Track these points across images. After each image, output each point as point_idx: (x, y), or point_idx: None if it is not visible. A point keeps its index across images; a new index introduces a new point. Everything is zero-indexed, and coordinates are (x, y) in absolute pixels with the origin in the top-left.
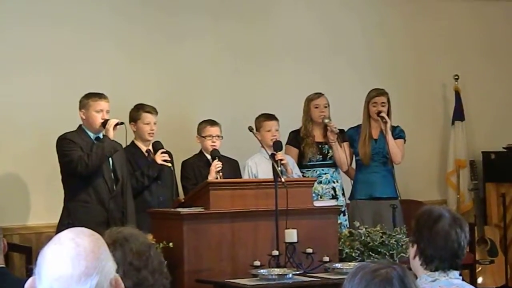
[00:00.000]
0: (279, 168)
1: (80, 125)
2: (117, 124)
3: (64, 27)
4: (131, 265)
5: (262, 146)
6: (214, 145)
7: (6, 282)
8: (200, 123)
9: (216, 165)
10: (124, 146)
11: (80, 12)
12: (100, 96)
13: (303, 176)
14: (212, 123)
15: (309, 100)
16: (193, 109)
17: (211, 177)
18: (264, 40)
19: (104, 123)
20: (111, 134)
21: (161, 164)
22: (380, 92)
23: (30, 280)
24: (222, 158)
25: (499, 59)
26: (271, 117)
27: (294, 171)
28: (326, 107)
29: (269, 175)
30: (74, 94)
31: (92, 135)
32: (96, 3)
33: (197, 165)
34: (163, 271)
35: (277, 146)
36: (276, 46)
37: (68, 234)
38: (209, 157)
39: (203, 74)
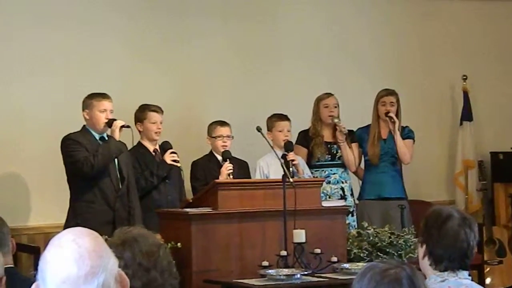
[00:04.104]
0: (291, 169)
1: (84, 126)
2: (123, 126)
3: (73, 29)
4: (140, 265)
5: (271, 147)
6: (225, 145)
7: (15, 281)
8: (211, 124)
9: (228, 167)
10: (130, 147)
11: (89, 14)
12: (103, 96)
13: (312, 176)
14: (222, 123)
15: (319, 99)
16: (202, 110)
17: (222, 178)
18: (273, 41)
19: (109, 123)
20: (117, 136)
21: (171, 164)
22: (389, 92)
23: (33, 286)
24: (232, 160)
25: (507, 59)
26: (283, 117)
27: (305, 172)
28: (335, 107)
29: (281, 175)
30: (82, 96)
31: (96, 135)
32: (104, 4)
33: (207, 165)
34: (172, 271)
35: (288, 146)
36: (284, 47)
37: (68, 236)
38: (219, 157)
39: (212, 75)
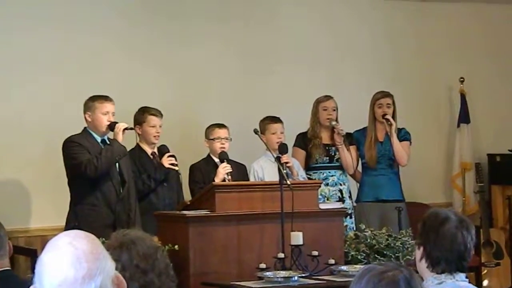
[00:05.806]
0: (285, 171)
1: (85, 128)
2: (126, 129)
3: (71, 32)
4: (138, 268)
5: (267, 149)
6: (223, 148)
7: (12, 284)
8: (208, 127)
9: (225, 167)
10: (129, 149)
11: (88, 17)
12: (105, 98)
13: (310, 178)
14: (220, 125)
15: (318, 102)
16: (199, 113)
17: (218, 179)
18: (270, 43)
19: (111, 125)
20: (120, 138)
21: (168, 168)
22: (385, 94)
23: None
24: (230, 162)
25: (504, 61)
26: (276, 119)
27: (300, 174)
28: (334, 110)
29: (275, 178)
30: (81, 98)
31: (98, 138)
32: (103, 7)
33: (205, 168)
34: (170, 274)
35: (282, 149)
36: (282, 50)
37: (64, 239)
38: (217, 160)
39: (209, 78)
